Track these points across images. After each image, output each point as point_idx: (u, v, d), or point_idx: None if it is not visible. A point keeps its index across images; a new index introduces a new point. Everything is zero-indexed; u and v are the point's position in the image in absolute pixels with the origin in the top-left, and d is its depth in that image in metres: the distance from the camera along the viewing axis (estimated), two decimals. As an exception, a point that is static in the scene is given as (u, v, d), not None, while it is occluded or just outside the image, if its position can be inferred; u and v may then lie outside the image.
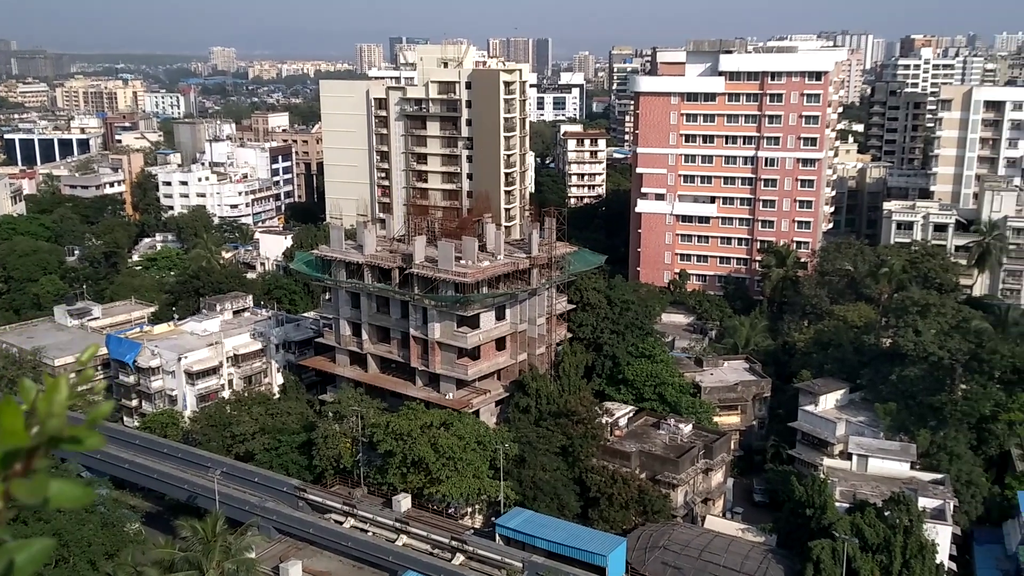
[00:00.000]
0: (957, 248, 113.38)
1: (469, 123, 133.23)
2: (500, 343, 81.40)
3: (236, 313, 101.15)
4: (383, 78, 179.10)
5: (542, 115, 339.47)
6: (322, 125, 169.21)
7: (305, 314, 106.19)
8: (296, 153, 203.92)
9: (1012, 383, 78.03)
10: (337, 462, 73.62)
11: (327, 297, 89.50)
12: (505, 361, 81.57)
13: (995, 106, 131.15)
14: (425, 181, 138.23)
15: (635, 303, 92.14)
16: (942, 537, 63.15)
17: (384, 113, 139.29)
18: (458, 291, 76.04)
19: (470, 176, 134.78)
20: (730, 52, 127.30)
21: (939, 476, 72.31)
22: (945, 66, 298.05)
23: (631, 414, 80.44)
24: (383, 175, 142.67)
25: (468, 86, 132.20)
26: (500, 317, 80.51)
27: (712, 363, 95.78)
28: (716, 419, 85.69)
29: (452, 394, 78.81)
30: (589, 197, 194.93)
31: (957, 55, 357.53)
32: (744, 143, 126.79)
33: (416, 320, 79.63)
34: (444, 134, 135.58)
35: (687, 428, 78.08)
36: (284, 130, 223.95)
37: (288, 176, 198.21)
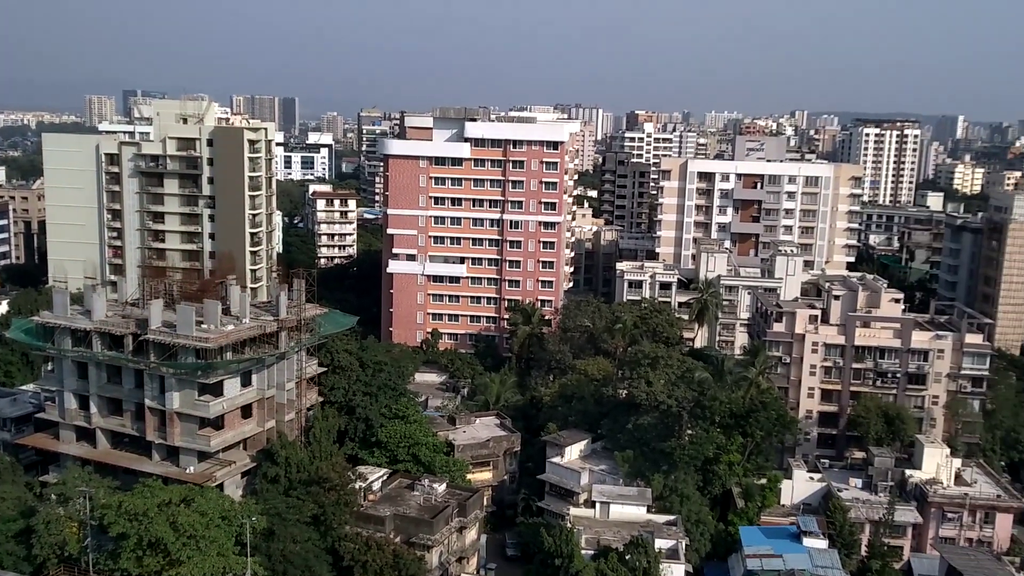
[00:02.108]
0: (680, 304, 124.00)
1: (211, 181, 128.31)
2: (246, 410, 77.84)
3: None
4: (116, 132, 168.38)
5: (290, 174, 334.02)
6: (45, 180, 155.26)
7: (23, 387, 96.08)
8: (14, 211, 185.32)
9: (730, 427, 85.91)
10: (62, 550, 66.35)
11: (49, 368, 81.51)
12: (252, 429, 78.05)
13: (707, 176, 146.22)
14: (163, 241, 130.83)
15: (388, 364, 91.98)
16: (677, 575, 67.68)
17: (116, 169, 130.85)
18: (200, 357, 72.10)
19: (212, 236, 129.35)
20: (474, 120, 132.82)
21: (672, 517, 77.80)
22: (664, 139, 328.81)
23: (385, 477, 79.63)
24: (115, 235, 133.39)
25: (210, 143, 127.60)
26: (246, 383, 77.13)
27: (465, 420, 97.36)
28: (469, 476, 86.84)
29: (193, 467, 74.07)
30: (340, 257, 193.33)
31: (675, 130, 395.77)
32: (490, 206, 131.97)
33: (152, 390, 74.41)
34: (184, 192, 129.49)
35: (441, 488, 78.47)
36: (0, 185, 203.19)
37: (4, 236, 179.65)
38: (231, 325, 76.51)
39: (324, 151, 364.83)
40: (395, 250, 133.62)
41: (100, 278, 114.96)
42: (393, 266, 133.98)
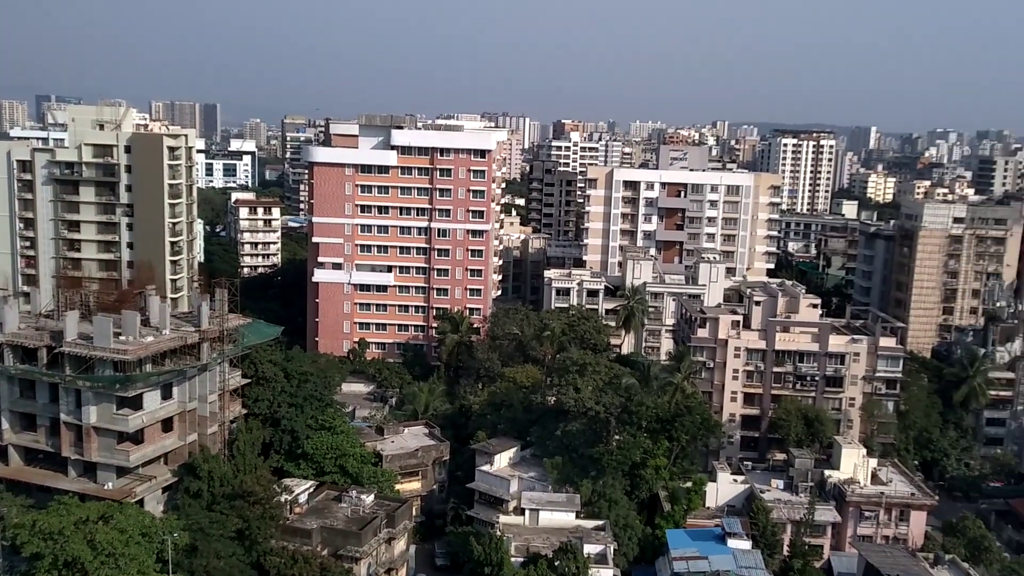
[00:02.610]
0: (607, 311, 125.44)
1: (129, 189, 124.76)
2: (167, 424, 75.81)
3: None
4: (28, 138, 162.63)
5: (211, 182, 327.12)
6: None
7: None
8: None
9: (656, 431, 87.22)
10: (-32, 574, 63.66)
11: (-44, 383, 78.00)
12: (173, 443, 76.04)
13: (632, 185, 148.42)
14: (79, 251, 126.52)
15: (314, 374, 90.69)
16: (605, 579, 68.30)
17: (29, 177, 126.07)
18: (118, 370, 70.03)
19: (131, 245, 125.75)
20: (401, 127, 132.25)
21: (600, 523, 78.53)
22: (591, 148, 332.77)
23: (311, 489, 78.43)
24: (28, 244, 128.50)
25: (128, 150, 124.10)
26: (167, 396, 75.15)
27: (393, 430, 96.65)
28: (398, 486, 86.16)
29: (112, 483, 71.82)
30: (264, 266, 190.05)
31: (600, 139, 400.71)
32: (418, 214, 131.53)
33: (68, 404, 71.92)
34: (101, 200, 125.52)
35: (369, 499, 77.65)
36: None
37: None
38: (150, 336, 74.56)
39: (247, 158, 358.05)
40: (321, 259, 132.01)
41: (12, 289, 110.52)
42: (319, 275, 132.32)
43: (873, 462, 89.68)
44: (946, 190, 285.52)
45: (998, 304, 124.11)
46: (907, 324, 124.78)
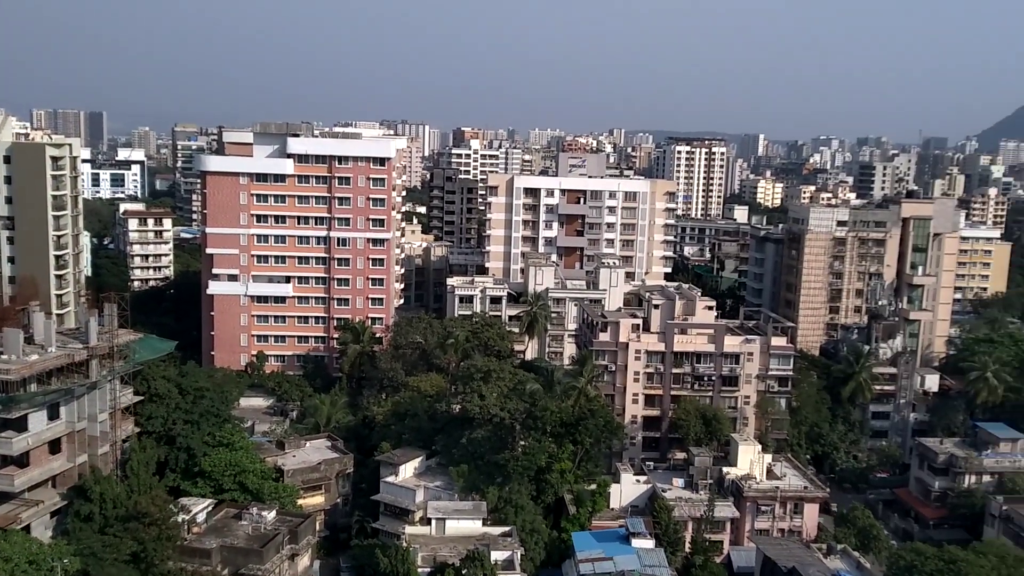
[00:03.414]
0: (511, 318, 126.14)
1: (10, 201, 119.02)
2: (55, 445, 72.34)
3: None
4: None
5: (98, 192, 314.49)
6: None
7: None
8: None
9: (561, 436, 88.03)
10: None
11: None
12: (62, 465, 72.62)
13: (532, 192, 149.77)
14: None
15: (210, 390, 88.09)
16: (513, 585, 68.47)
17: None
18: (0, 390, 66.53)
19: (12, 260, 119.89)
20: (297, 135, 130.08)
21: (507, 528, 78.75)
22: (491, 156, 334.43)
23: (210, 508, 76.12)
24: None
25: (7, 160, 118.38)
26: (54, 416, 71.75)
27: (294, 444, 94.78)
28: (301, 501, 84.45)
29: (-6, 511, 68.09)
30: (155, 279, 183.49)
31: (500, 146, 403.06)
32: (316, 224, 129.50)
33: (-56, 428, 67.90)
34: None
35: (270, 515, 75.87)
36: None
37: None
38: (35, 355, 71.15)
39: (136, 168, 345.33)
40: (216, 270, 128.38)
41: None
42: (214, 287, 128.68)
43: (768, 458, 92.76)
44: (830, 195, 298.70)
45: (880, 303, 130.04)
46: (797, 323, 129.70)
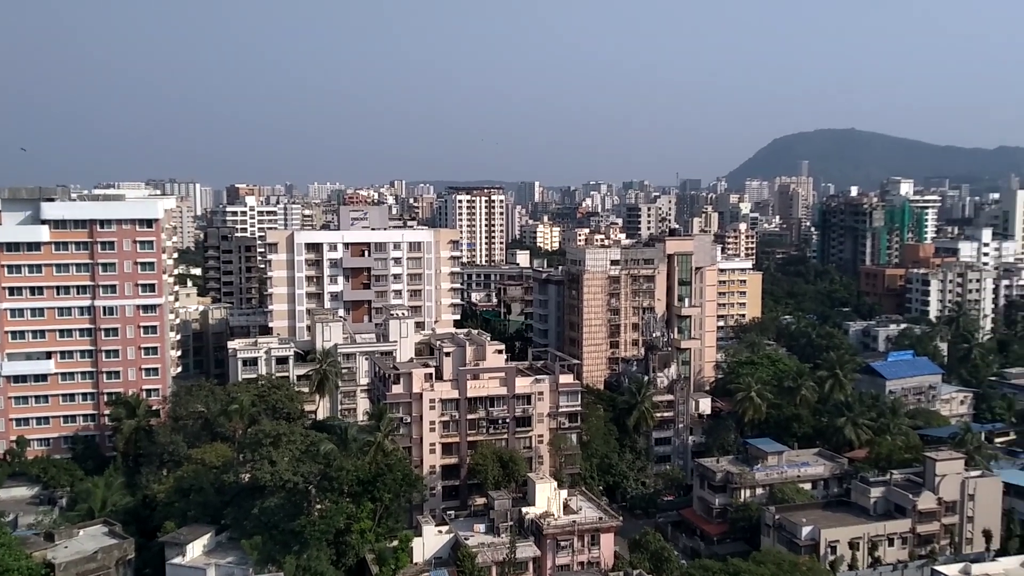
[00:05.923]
0: (299, 377, 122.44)
1: None
2: None
3: None
4: None
5: None
6: None
7: None
8: None
9: (359, 494, 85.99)
10: None
11: None
12: None
13: (315, 247, 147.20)
14: None
15: (-40, 485, 78.88)
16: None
17: None
18: None
19: None
20: (52, 199, 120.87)
21: (309, 597, 75.54)
22: (269, 212, 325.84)
23: (-34, 619, 67.75)
24: None
25: None
26: None
27: (66, 535, 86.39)
28: (75, 598, 76.99)
29: None
30: None
31: (278, 202, 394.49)
32: (79, 293, 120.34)
33: None
34: None
35: (40, 617, 68.58)
36: None
37: None
38: None
39: None
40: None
41: None
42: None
43: (564, 493, 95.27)
44: (603, 236, 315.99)
45: (654, 335, 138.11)
46: (582, 360, 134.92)
